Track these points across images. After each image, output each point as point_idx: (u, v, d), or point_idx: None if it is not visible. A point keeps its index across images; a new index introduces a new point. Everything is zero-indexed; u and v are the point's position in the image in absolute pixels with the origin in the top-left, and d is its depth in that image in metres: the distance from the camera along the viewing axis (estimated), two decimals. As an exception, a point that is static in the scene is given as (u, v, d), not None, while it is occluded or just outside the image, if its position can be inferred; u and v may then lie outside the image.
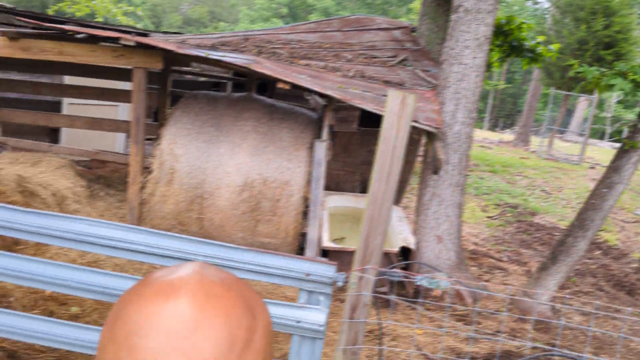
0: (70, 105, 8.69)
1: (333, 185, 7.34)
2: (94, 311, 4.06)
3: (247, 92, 6.99)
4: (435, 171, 5.10)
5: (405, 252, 5.51)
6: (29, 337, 2.51)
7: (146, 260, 2.50)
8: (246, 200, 5.55)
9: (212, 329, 0.60)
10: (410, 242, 5.51)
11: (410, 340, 4.44)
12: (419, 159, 7.44)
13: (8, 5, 7.54)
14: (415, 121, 4.40)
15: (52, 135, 8.65)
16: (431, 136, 4.89)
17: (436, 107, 5.09)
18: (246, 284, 0.69)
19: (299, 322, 2.59)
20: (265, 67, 4.72)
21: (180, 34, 7.72)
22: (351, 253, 3.94)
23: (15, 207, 2.43)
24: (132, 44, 4.44)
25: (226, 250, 2.54)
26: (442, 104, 5.16)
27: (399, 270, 3.00)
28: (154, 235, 2.47)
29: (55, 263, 2.51)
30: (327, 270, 2.57)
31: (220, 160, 5.50)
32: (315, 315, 2.63)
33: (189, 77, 10.16)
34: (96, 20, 13.71)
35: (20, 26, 5.08)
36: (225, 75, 9.19)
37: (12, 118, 6.91)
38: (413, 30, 7.07)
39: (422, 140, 6.53)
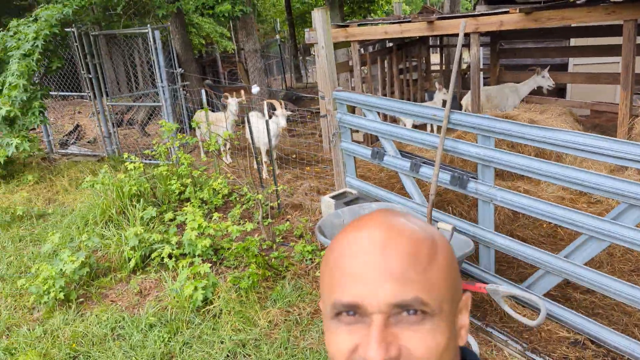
0: (575, 66, 9.41)
1: None
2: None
3: None
4: None
5: None
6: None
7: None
8: None
9: (397, 246, 0.68)
10: None
11: None
12: None
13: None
14: None
15: (559, 92, 9.59)
16: None
17: None
18: (424, 221, 0.76)
19: None
20: None
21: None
22: None
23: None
24: None
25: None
26: None
27: None
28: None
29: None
30: None
31: None
32: None
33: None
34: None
35: (533, 2, 6.16)
36: None
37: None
38: None
39: None
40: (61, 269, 4.31)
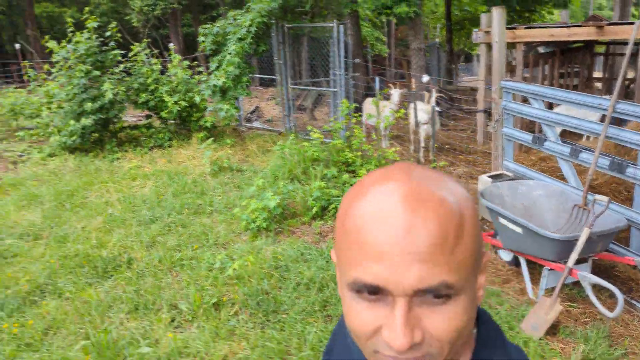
0: None
1: None
2: None
3: None
4: None
5: None
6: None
7: None
8: None
9: (426, 224, 0.60)
10: None
11: None
12: None
13: None
14: None
15: None
16: None
17: None
18: (450, 181, 0.68)
19: None
20: None
21: None
22: None
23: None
24: None
25: None
26: None
27: None
28: None
29: None
30: None
31: None
32: None
33: None
34: None
35: None
36: None
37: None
38: None
39: None
40: (265, 205, 5.37)
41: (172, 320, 3.84)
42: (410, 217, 0.60)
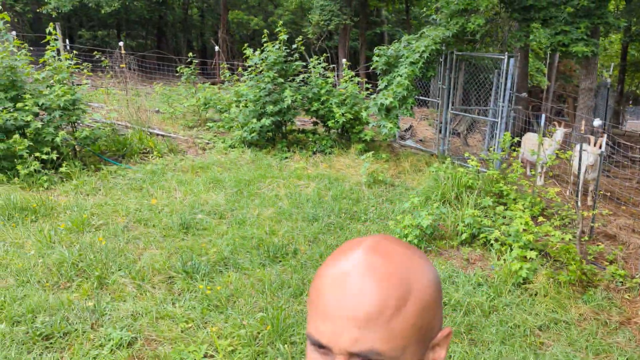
0: None
1: None
2: None
3: None
4: None
5: None
6: None
7: None
8: None
9: (366, 295, 0.66)
10: None
11: None
12: None
13: None
14: None
15: None
16: None
17: None
18: (414, 257, 0.72)
19: None
20: None
21: None
22: None
23: None
24: None
25: None
26: None
27: None
28: None
29: None
30: None
31: None
32: None
33: None
34: None
35: None
36: None
37: None
38: None
39: None
40: (418, 222, 5.57)
41: (330, 312, 4.22)
42: (356, 286, 0.66)
